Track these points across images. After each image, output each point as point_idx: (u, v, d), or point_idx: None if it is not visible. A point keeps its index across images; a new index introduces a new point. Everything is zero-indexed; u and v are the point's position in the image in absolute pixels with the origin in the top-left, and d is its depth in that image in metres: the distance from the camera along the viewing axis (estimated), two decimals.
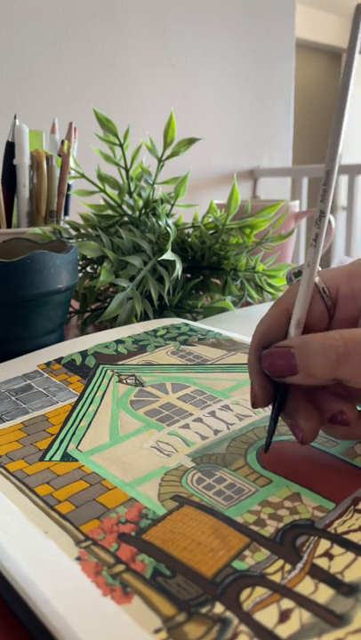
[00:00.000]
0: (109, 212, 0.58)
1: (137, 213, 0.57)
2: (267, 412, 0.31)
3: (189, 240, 0.57)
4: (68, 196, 0.62)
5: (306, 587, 0.18)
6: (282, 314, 0.26)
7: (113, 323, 0.51)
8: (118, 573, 0.19)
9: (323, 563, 0.19)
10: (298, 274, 0.27)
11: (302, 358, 0.23)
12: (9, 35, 1.28)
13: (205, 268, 0.58)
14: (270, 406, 0.27)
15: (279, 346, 0.25)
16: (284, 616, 0.17)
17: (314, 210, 0.73)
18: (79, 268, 0.56)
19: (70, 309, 0.59)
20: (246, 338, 0.42)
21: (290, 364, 0.24)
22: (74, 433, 0.29)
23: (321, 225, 0.24)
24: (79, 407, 0.32)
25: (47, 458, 0.27)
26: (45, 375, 0.37)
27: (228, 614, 0.17)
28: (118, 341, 0.42)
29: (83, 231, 0.57)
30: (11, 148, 0.58)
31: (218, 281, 0.65)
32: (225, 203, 0.64)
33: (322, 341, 0.23)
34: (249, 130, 1.83)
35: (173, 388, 0.34)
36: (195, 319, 0.54)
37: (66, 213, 0.63)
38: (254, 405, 0.26)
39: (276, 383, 0.26)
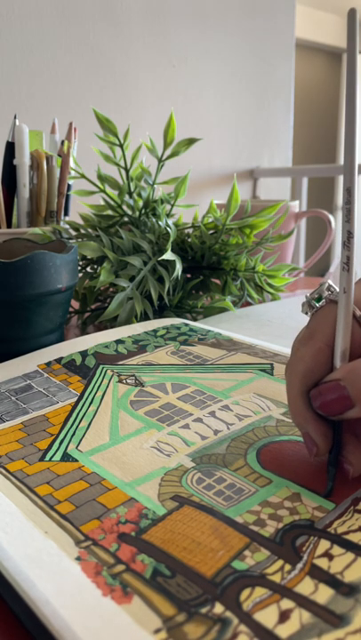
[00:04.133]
0: (109, 212, 0.58)
1: (137, 213, 0.57)
2: (266, 412, 0.31)
3: (189, 240, 0.57)
4: (68, 197, 0.62)
5: (306, 587, 0.18)
6: (321, 350, 0.24)
7: (113, 323, 0.51)
8: (118, 573, 0.19)
9: (323, 563, 0.19)
10: (318, 299, 0.25)
11: (354, 388, 0.22)
12: (9, 35, 1.28)
13: (205, 268, 0.58)
14: None
15: (327, 381, 0.23)
16: (283, 616, 0.17)
17: (314, 210, 0.73)
18: (79, 268, 0.56)
19: (70, 309, 0.59)
20: (246, 338, 0.42)
21: (343, 398, 0.22)
22: (74, 433, 0.29)
23: (351, 246, 0.23)
24: (79, 407, 0.32)
25: (47, 458, 0.27)
26: (45, 375, 0.37)
27: (228, 614, 0.17)
28: (118, 341, 0.42)
29: (83, 231, 0.57)
30: (11, 148, 0.58)
31: (218, 281, 0.65)
32: (225, 203, 0.64)
33: None
34: (249, 130, 1.83)
35: (173, 388, 0.34)
36: (195, 319, 0.54)
37: (66, 213, 0.63)
38: (316, 456, 0.24)
39: (332, 424, 0.24)
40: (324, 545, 0.20)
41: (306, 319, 0.26)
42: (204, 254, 0.56)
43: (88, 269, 0.56)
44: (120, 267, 0.51)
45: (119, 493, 0.23)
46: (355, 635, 0.16)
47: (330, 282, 0.25)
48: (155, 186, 0.57)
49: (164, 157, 0.55)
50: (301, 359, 0.24)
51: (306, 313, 0.26)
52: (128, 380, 0.35)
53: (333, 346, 0.24)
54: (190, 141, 0.55)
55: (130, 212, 0.57)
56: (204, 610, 0.17)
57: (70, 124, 0.63)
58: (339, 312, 0.24)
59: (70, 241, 0.54)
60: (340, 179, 3.44)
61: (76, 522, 0.22)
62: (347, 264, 0.23)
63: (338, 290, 0.24)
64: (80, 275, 0.55)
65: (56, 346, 0.41)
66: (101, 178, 0.56)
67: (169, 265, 0.52)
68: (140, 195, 0.57)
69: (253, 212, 0.62)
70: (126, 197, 0.57)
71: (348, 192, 0.23)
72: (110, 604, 0.18)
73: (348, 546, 0.20)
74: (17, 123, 0.57)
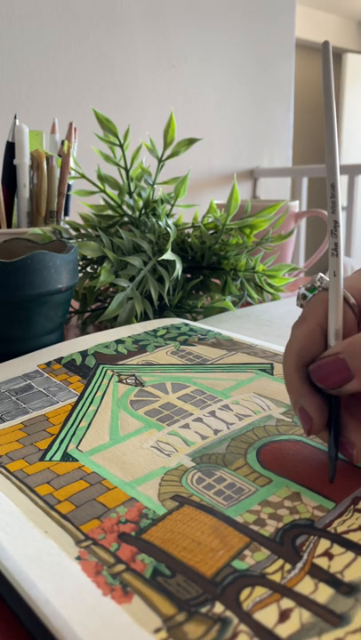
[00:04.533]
0: (109, 212, 0.58)
1: (137, 213, 0.57)
2: (266, 411, 0.31)
3: (189, 240, 0.57)
4: (68, 197, 0.62)
5: (306, 586, 0.18)
6: (315, 330, 0.25)
7: (113, 323, 0.51)
8: (118, 573, 0.19)
9: (323, 562, 0.19)
10: (311, 289, 0.26)
11: (354, 360, 0.22)
12: (9, 35, 1.28)
13: (205, 267, 0.58)
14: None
15: (326, 356, 0.23)
16: (283, 616, 0.17)
17: (314, 210, 0.73)
18: (79, 268, 0.56)
19: (70, 309, 0.59)
20: (246, 338, 0.42)
21: (343, 371, 0.23)
22: (74, 433, 0.29)
23: (338, 234, 0.25)
24: (79, 407, 0.32)
25: (47, 458, 0.27)
26: (45, 375, 0.37)
27: (228, 614, 0.17)
28: (118, 341, 0.42)
29: (83, 231, 0.57)
30: (11, 147, 0.58)
31: (218, 281, 0.65)
32: (225, 203, 0.64)
33: None
34: (249, 130, 1.83)
35: (173, 388, 0.34)
36: (195, 319, 0.54)
37: (66, 213, 0.63)
38: (311, 432, 0.24)
39: (328, 400, 0.24)
40: (324, 544, 0.20)
41: None
42: (204, 254, 0.56)
43: (88, 269, 0.57)
44: (120, 267, 0.51)
45: (119, 493, 0.23)
46: (355, 634, 0.16)
47: (321, 274, 0.27)
48: (155, 186, 0.57)
49: (164, 157, 0.55)
50: (296, 339, 0.25)
51: (300, 305, 0.27)
52: (128, 380, 0.35)
53: (326, 326, 0.25)
54: (190, 141, 0.56)
55: (130, 212, 0.57)
56: (204, 609, 0.17)
57: (70, 124, 0.64)
58: (330, 294, 0.25)
59: (70, 241, 0.54)
60: (341, 178, 3.44)
61: (76, 521, 0.22)
62: (335, 250, 0.25)
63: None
64: (80, 275, 0.55)
65: (56, 346, 0.41)
66: (101, 178, 0.56)
67: (169, 265, 0.52)
68: (140, 195, 0.57)
69: (253, 212, 0.62)
70: (126, 197, 0.57)
71: (333, 187, 0.25)
72: (110, 603, 0.18)
73: (349, 545, 0.20)
74: (17, 123, 0.57)
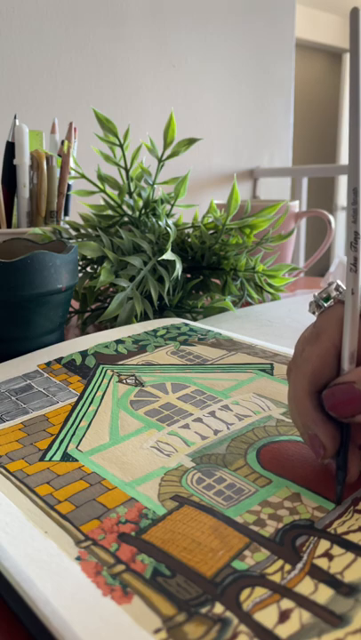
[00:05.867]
0: (109, 212, 0.58)
1: (137, 213, 0.57)
2: (266, 412, 0.31)
3: (189, 240, 0.57)
4: (68, 196, 0.62)
5: (306, 587, 0.18)
6: (329, 351, 0.23)
7: (113, 323, 0.51)
8: (118, 573, 0.19)
9: (323, 563, 0.19)
10: (326, 298, 0.25)
11: None
12: (9, 35, 1.28)
13: (205, 267, 0.58)
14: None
15: (340, 382, 0.22)
16: (283, 616, 0.17)
17: (314, 210, 0.73)
18: (79, 267, 0.56)
19: (70, 309, 0.59)
20: (246, 338, 0.42)
21: (357, 401, 0.22)
22: (74, 433, 0.29)
23: (358, 247, 0.23)
24: (79, 407, 0.32)
25: (47, 458, 0.27)
26: (45, 375, 0.37)
27: (228, 614, 0.17)
28: (118, 341, 0.42)
29: (83, 231, 0.57)
30: (11, 147, 0.58)
31: (218, 281, 0.65)
32: (225, 203, 0.64)
33: None
34: (249, 130, 1.83)
35: (173, 388, 0.34)
36: (195, 319, 0.54)
37: (66, 213, 0.63)
38: (323, 458, 0.23)
39: (340, 427, 0.23)
40: (324, 545, 0.20)
41: (306, 318, 0.26)
42: (204, 254, 0.56)
43: (88, 269, 0.56)
44: (120, 267, 0.51)
45: (119, 493, 0.23)
46: (355, 635, 0.16)
47: (339, 282, 0.25)
48: (155, 186, 0.57)
49: (164, 157, 0.55)
50: (308, 359, 0.24)
51: (313, 312, 0.26)
52: (128, 380, 0.35)
53: (340, 346, 0.24)
54: (190, 141, 0.56)
55: (130, 212, 0.57)
56: (204, 610, 0.17)
57: (70, 124, 0.63)
58: (346, 313, 0.23)
59: (70, 241, 0.54)
60: (341, 178, 3.44)
61: (76, 522, 0.22)
62: (354, 265, 0.23)
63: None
64: (80, 275, 0.55)
65: (56, 346, 0.41)
66: (101, 178, 0.56)
67: (169, 265, 0.52)
68: (140, 195, 0.57)
69: (253, 212, 0.62)
70: (126, 197, 0.57)
71: (355, 192, 0.22)
72: (110, 603, 0.18)
73: (348, 546, 0.20)
74: (17, 123, 0.57)
